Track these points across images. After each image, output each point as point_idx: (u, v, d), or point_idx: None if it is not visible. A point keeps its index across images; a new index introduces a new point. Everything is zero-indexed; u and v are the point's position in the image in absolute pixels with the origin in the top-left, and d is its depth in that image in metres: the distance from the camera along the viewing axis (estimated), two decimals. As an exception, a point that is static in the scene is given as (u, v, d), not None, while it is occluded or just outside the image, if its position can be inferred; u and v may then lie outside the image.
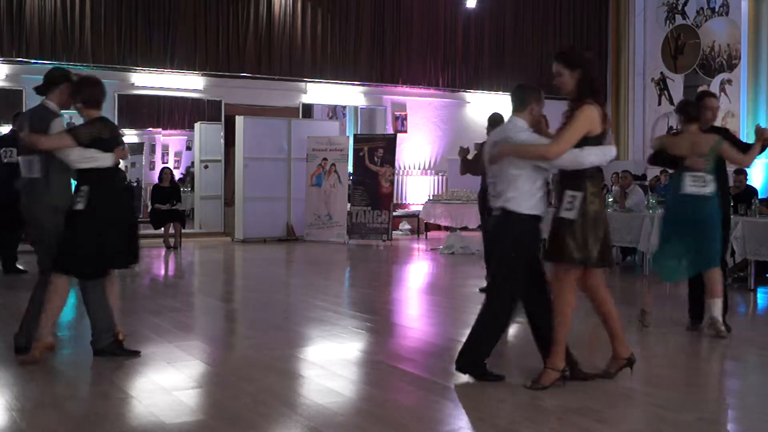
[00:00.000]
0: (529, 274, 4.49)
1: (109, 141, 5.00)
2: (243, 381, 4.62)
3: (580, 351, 5.51)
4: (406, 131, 16.19)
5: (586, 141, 4.29)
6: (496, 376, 4.53)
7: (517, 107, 4.53)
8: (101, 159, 4.95)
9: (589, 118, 4.31)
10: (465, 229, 12.73)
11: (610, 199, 10.34)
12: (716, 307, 5.78)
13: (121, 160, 5.21)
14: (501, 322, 4.58)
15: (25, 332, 5.15)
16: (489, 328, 4.53)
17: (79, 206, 4.90)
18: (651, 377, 4.67)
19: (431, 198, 14.42)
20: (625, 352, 4.57)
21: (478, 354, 4.52)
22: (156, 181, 13.57)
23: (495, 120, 8.01)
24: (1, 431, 3.79)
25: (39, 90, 5.21)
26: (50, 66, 12.67)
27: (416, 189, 16.31)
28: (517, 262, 4.44)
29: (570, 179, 4.36)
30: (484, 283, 8.24)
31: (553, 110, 17.54)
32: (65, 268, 4.94)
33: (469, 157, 8.07)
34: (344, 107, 16.47)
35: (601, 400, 4.23)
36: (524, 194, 4.36)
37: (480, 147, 8.01)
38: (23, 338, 5.14)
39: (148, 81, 13.84)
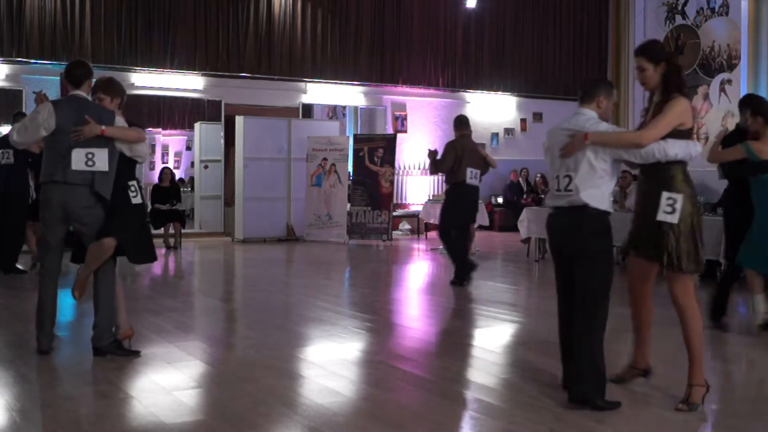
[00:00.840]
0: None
1: None
2: (243, 381, 4.62)
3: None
4: (406, 131, 16.19)
5: (678, 134, 4.12)
6: (613, 403, 4.09)
7: (585, 99, 4.34)
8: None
9: (684, 110, 4.14)
10: (465, 229, 12.71)
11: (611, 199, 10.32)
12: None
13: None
14: (604, 329, 4.18)
15: (47, 333, 5.16)
16: (596, 341, 4.11)
17: (138, 200, 5.17)
18: (651, 377, 4.66)
19: (431, 198, 14.43)
20: (642, 362, 4.56)
21: (598, 376, 4.08)
22: (156, 181, 13.59)
23: (461, 121, 8.81)
24: (1, 431, 3.79)
25: (76, 81, 5.15)
26: (50, 66, 12.79)
27: (416, 189, 16.31)
28: (609, 259, 4.22)
29: (661, 179, 4.14)
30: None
31: (553, 109, 17.60)
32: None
33: (438, 157, 8.62)
34: (344, 107, 16.47)
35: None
36: (605, 190, 4.15)
37: (448, 147, 8.64)
38: (47, 340, 5.16)
39: (148, 81, 13.84)
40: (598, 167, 4.11)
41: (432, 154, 8.64)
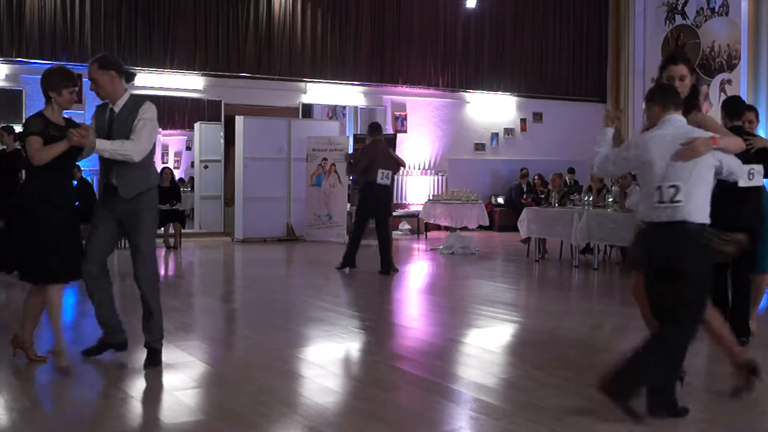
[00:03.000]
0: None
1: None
2: (243, 381, 4.62)
3: (577, 351, 5.51)
4: (406, 131, 16.20)
5: None
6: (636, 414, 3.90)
7: (677, 106, 4.24)
8: None
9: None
10: (465, 229, 12.74)
11: (610, 199, 10.34)
12: None
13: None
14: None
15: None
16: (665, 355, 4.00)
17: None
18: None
19: (431, 198, 14.42)
20: None
21: (634, 381, 3.93)
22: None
23: (375, 128, 9.97)
24: (1, 431, 3.78)
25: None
26: (50, 66, 12.72)
27: (416, 189, 16.31)
28: (709, 280, 4.06)
29: None
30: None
31: (553, 109, 17.59)
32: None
33: (352, 161, 9.98)
34: (344, 107, 16.47)
35: (601, 400, 4.22)
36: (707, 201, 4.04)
37: (363, 151, 9.84)
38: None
39: (148, 81, 13.83)
40: (707, 176, 4.03)
41: (349, 157, 10.08)
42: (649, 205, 4.06)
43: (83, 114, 13.36)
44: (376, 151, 9.63)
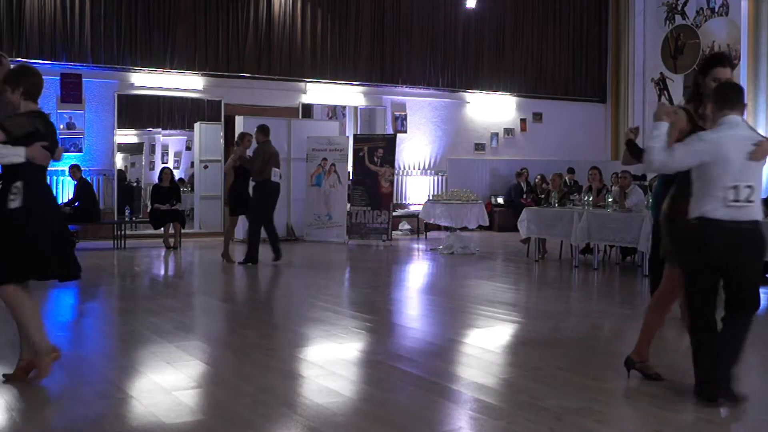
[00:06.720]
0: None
1: (45, 136, 4.53)
2: (243, 381, 4.62)
3: (577, 351, 5.52)
4: (405, 131, 16.20)
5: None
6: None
7: (741, 106, 4.34)
8: (11, 155, 4.40)
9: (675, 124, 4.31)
10: (465, 229, 12.74)
11: (610, 199, 10.34)
12: None
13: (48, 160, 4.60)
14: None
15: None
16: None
17: (15, 204, 4.41)
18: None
19: (431, 198, 14.43)
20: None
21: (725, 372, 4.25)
22: (156, 181, 13.59)
23: (265, 130, 10.60)
24: (0, 431, 3.78)
25: None
26: (50, 66, 12.78)
27: (416, 189, 16.32)
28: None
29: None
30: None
31: (553, 109, 17.54)
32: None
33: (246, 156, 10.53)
34: (344, 107, 16.48)
35: (601, 400, 4.23)
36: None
37: (257, 151, 10.32)
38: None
39: (148, 81, 13.84)
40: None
41: (239, 151, 10.52)
42: (717, 202, 4.09)
43: (83, 114, 13.40)
44: (269, 151, 10.37)
